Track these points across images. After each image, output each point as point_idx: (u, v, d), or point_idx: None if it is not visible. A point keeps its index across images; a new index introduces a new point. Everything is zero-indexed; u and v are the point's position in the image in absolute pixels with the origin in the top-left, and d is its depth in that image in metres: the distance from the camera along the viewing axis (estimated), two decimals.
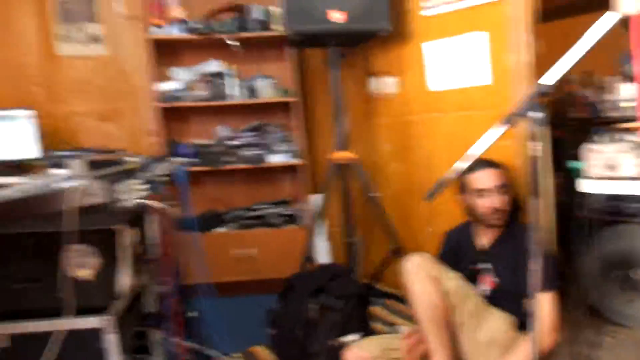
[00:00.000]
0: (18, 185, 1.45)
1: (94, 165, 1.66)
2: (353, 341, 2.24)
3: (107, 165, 1.68)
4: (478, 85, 2.64)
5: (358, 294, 2.35)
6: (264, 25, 3.39)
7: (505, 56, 2.50)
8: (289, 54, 3.45)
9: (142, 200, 1.55)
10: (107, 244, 1.62)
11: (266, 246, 3.46)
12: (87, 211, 1.43)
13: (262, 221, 3.53)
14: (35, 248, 1.58)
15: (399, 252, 2.87)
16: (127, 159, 1.71)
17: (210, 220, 3.49)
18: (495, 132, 1.58)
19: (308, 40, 2.91)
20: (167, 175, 2.11)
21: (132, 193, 1.59)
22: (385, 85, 3.19)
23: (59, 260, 1.58)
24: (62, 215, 1.42)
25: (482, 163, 2.08)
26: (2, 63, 3.46)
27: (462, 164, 1.68)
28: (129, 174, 1.70)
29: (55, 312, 1.61)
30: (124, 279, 1.77)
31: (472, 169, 2.08)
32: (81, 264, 1.61)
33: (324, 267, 2.73)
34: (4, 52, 3.45)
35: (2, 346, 1.64)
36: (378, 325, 2.77)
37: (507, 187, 2.10)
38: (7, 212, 1.39)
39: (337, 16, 2.65)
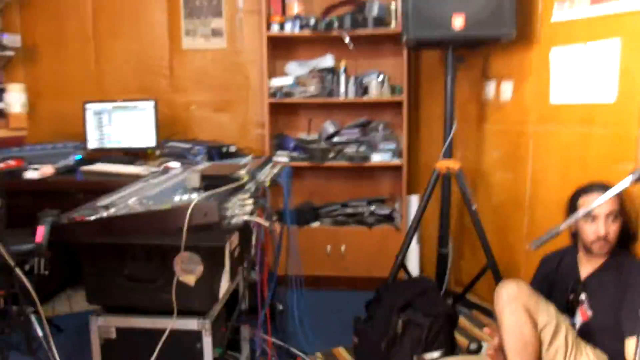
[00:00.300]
0: (140, 202, 1.59)
1: (206, 179, 1.79)
2: (436, 358, 2.27)
3: (218, 179, 1.78)
4: (602, 101, 2.43)
5: (447, 314, 2.35)
6: (381, 21, 3.36)
7: (637, 68, 2.27)
8: (403, 51, 3.39)
9: (249, 218, 1.64)
10: (212, 254, 1.73)
11: (357, 244, 3.51)
12: (198, 228, 1.55)
13: (355, 219, 3.58)
14: (150, 255, 1.73)
15: (492, 267, 2.81)
16: (238, 174, 1.80)
17: (306, 214, 3.59)
18: (621, 185, 1.49)
19: (426, 44, 2.86)
20: (272, 178, 2.22)
21: (240, 209, 1.68)
22: (502, 90, 3.07)
23: (169, 266, 1.71)
24: (178, 231, 1.54)
25: (596, 186, 1.98)
26: (133, 55, 3.77)
27: (579, 215, 1.58)
28: (238, 188, 1.79)
29: (159, 312, 1.77)
30: (223, 285, 1.90)
31: (585, 191, 1.98)
32: (187, 270, 1.74)
33: (413, 281, 2.74)
34: (135, 45, 3.77)
35: (109, 337, 1.83)
36: (461, 338, 2.76)
37: (619, 214, 1.97)
38: (130, 226, 1.55)
39: (460, 22, 2.59)
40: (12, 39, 3.65)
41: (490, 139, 3.19)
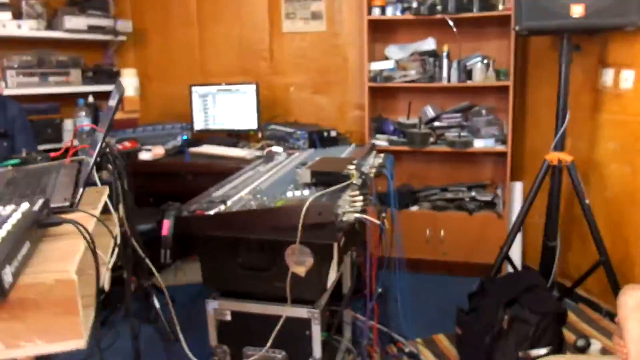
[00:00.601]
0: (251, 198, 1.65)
1: (316, 175, 1.82)
2: (543, 356, 2.20)
3: (328, 176, 1.81)
4: None
5: (556, 312, 2.27)
6: (486, 4, 3.21)
7: None
8: (510, 35, 3.23)
9: (361, 216, 1.65)
10: (323, 249, 1.77)
11: (456, 229, 3.45)
12: (311, 226, 1.59)
13: (455, 204, 3.52)
14: (263, 246, 1.79)
15: (605, 263, 2.67)
16: (347, 172, 1.81)
17: (404, 197, 3.57)
18: None
19: (540, 33, 2.72)
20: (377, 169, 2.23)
21: (351, 206, 1.70)
22: (622, 79, 2.85)
23: (281, 257, 1.77)
24: (292, 227, 1.59)
25: None
26: (234, 39, 3.86)
27: None
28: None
29: (270, 298, 1.84)
30: (331, 276, 1.94)
31: None
32: (298, 262, 1.79)
33: (520, 275, 2.66)
34: (237, 29, 3.85)
35: (224, 319, 1.92)
36: (568, 333, 2.66)
37: None
38: (246, 221, 1.62)
39: (580, 10, 2.42)
40: (125, 25, 3.85)
41: (606, 129, 2.98)
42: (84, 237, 0.91)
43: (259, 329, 1.86)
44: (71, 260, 0.84)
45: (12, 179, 1.31)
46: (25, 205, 0.93)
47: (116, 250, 1.27)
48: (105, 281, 1.13)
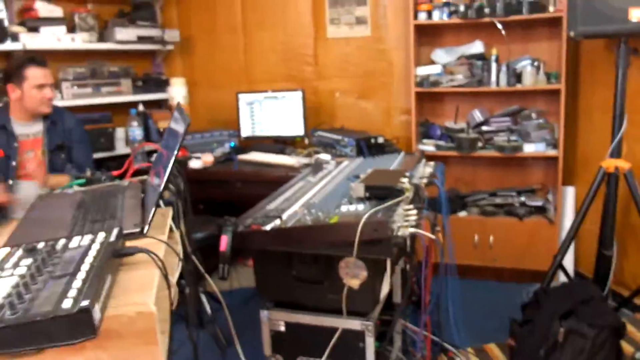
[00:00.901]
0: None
1: (370, 189, 1.82)
2: None
3: (382, 190, 1.81)
4: None
5: (614, 326, 2.21)
6: (536, 6, 3.14)
7: None
8: (562, 36, 3.13)
9: (416, 231, 1.65)
10: (377, 263, 1.77)
11: (506, 235, 3.39)
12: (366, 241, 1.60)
13: (504, 209, 3.46)
14: (317, 259, 1.81)
15: None
16: (401, 185, 1.80)
17: (452, 202, 3.53)
18: None
19: (595, 37, 2.64)
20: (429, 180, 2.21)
21: (405, 220, 1.69)
22: None
23: (335, 270, 1.78)
24: (347, 243, 1.60)
25: None
26: (279, 44, 3.90)
27: None
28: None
29: (322, 310, 1.86)
30: (384, 288, 1.95)
31: None
32: (352, 274, 1.80)
33: (575, 285, 2.60)
34: (281, 35, 3.88)
35: (278, 329, 1.95)
36: (625, 345, 2.58)
37: None
38: (301, 237, 1.64)
39: (638, 15, 2.34)
40: (172, 34, 3.93)
41: None
42: (158, 267, 0.94)
43: (313, 339, 1.88)
44: (149, 292, 0.87)
45: (81, 202, 1.36)
46: (101, 235, 0.97)
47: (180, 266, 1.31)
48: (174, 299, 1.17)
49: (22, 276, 0.86)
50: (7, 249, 1.00)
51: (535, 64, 3.24)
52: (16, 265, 0.92)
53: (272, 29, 3.92)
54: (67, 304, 0.75)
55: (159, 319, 0.88)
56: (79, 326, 0.75)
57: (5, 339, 0.75)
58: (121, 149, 3.61)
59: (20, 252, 0.97)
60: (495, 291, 3.32)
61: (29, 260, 0.92)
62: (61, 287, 0.80)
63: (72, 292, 0.77)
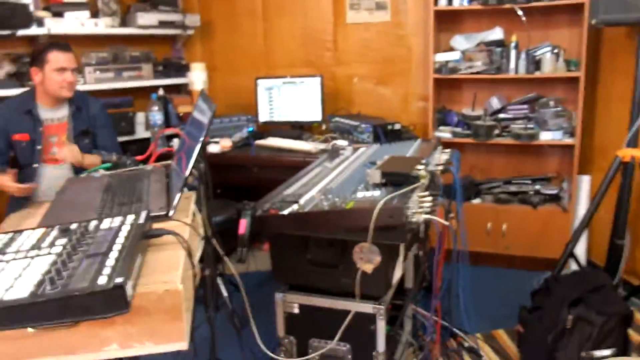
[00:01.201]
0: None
1: (386, 176, 1.87)
2: (607, 357, 2.19)
3: (398, 176, 1.85)
4: None
5: (622, 313, 2.24)
6: None
7: None
8: (582, 23, 3.13)
9: (430, 217, 1.69)
10: (390, 248, 1.82)
11: (520, 223, 3.42)
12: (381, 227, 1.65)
13: (519, 197, 3.48)
14: (332, 244, 1.86)
15: None
16: (417, 172, 1.84)
17: (467, 189, 3.56)
18: None
19: (617, 25, 2.64)
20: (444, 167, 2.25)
21: (419, 207, 1.74)
22: None
23: (349, 254, 1.83)
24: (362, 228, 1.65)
25: None
26: (299, 30, 3.92)
27: None
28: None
29: (336, 294, 1.92)
30: (397, 273, 2.00)
31: None
32: (366, 259, 1.85)
33: (585, 274, 2.62)
34: (301, 20, 3.91)
35: (292, 312, 2.01)
36: (635, 334, 2.62)
37: None
38: (317, 221, 1.69)
39: None
40: (193, 19, 3.98)
41: None
42: (184, 248, 1.00)
43: (325, 322, 1.94)
44: (176, 271, 0.94)
45: (108, 185, 1.43)
46: (131, 218, 1.04)
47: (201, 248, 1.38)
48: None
49: (58, 254, 0.93)
50: (43, 230, 1.07)
51: (555, 51, 3.23)
52: (52, 244, 0.99)
53: (292, 14, 3.94)
54: (102, 280, 0.82)
55: (184, 297, 0.95)
56: (113, 301, 0.82)
57: (45, 311, 0.82)
58: (141, 133, 3.68)
59: (55, 232, 1.04)
60: (507, 278, 3.36)
61: (63, 240, 0.99)
62: (95, 265, 0.87)
63: (106, 270, 0.84)
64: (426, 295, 2.44)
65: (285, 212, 1.77)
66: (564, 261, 2.73)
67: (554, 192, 3.41)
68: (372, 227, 1.63)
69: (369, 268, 1.88)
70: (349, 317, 1.86)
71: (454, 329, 2.61)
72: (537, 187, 3.45)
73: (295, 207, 1.80)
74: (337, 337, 1.88)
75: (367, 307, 1.91)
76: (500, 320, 2.82)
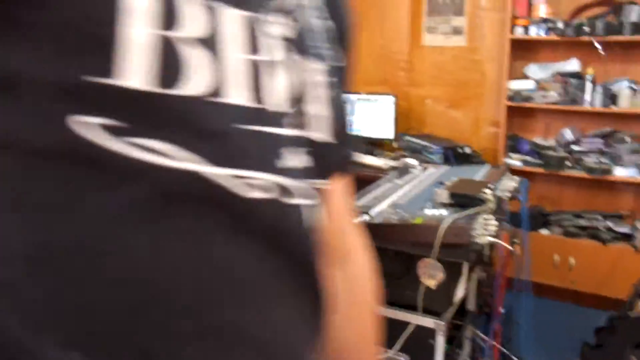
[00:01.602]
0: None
1: (454, 197, 1.92)
2: None
3: (465, 198, 1.90)
4: None
5: None
6: (638, 28, 3.07)
7: None
8: None
9: (495, 240, 1.73)
10: (453, 266, 1.87)
11: (588, 259, 3.34)
12: (446, 245, 1.70)
13: (588, 232, 3.40)
14: (397, 256, 1.93)
15: None
16: (484, 195, 1.88)
17: (535, 219, 3.52)
18: None
19: None
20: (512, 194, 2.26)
21: (484, 229, 1.78)
22: None
23: (414, 268, 1.89)
24: (427, 243, 1.71)
25: None
26: (377, 49, 4.02)
27: None
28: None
29: (398, 305, 1.96)
30: (459, 292, 2.03)
31: None
32: (429, 275, 1.90)
33: None
34: (379, 40, 4.01)
35: None
36: None
37: None
38: (385, 233, 1.76)
39: None
40: None
41: None
42: None
43: (386, 331, 2.00)
44: None
45: None
46: None
47: None
48: None
49: None
50: None
51: (633, 86, 3.17)
52: None
53: (370, 32, 4.04)
54: None
55: None
56: None
57: None
58: None
59: None
60: (570, 313, 3.29)
61: None
62: None
63: None
64: (487, 321, 2.44)
65: (357, 222, 1.85)
66: (632, 301, 2.66)
67: (626, 230, 3.32)
68: (438, 243, 1.68)
69: (432, 283, 1.93)
70: (410, 328, 1.91)
71: (512, 356, 2.59)
72: (609, 223, 3.37)
73: (366, 217, 1.88)
74: (397, 347, 1.93)
75: (428, 322, 1.95)
76: (560, 352, 2.77)
